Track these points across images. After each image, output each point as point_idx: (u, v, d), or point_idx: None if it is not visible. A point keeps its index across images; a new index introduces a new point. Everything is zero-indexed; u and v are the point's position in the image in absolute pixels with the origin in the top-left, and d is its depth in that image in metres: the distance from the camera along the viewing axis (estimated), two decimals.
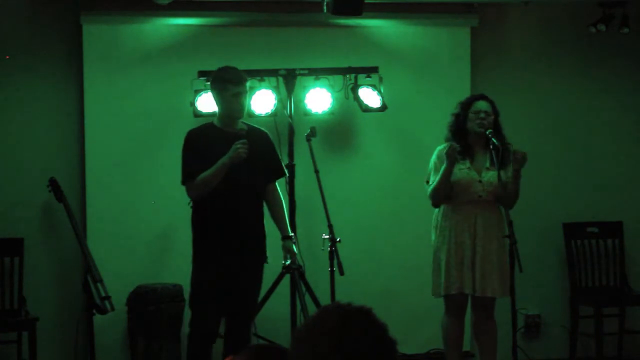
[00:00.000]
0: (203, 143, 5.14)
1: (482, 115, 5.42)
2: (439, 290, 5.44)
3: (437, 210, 5.51)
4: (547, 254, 6.85)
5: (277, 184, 5.37)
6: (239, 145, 4.99)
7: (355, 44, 6.54)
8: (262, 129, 5.39)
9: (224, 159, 5.02)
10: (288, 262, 5.39)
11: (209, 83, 6.03)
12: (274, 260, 6.13)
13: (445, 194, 5.41)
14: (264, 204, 5.31)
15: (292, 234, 5.38)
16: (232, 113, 5.16)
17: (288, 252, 5.35)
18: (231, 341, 5.21)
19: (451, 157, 5.29)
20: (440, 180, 5.37)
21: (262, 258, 5.24)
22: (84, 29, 6.26)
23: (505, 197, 5.34)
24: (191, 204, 5.25)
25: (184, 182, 5.18)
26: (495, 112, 5.48)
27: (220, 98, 5.17)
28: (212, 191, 5.07)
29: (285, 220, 5.34)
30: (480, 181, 5.40)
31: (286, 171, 5.49)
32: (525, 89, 6.86)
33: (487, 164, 5.41)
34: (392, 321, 1.98)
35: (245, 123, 5.26)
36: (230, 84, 5.11)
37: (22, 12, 6.30)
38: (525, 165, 5.34)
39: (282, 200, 5.36)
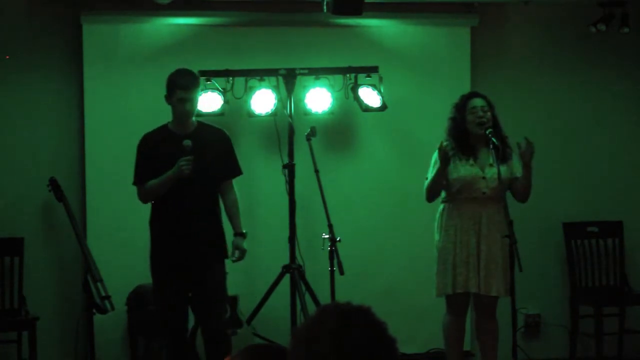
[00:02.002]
0: (152, 147, 5.22)
1: (480, 113, 5.41)
2: (445, 289, 5.43)
3: (440, 209, 5.52)
4: (547, 254, 6.85)
5: (233, 182, 5.38)
6: (182, 163, 5.06)
7: (355, 44, 6.54)
8: (219, 127, 5.40)
9: (169, 173, 5.10)
10: (235, 257, 5.35)
11: (209, 82, 6.05)
12: (271, 261, 6.15)
13: (438, 191, 5.47)
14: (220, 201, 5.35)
15: (245, 231, 5.37)
16: (178, 116, 5.21)
17: (237, 248, 5.34)
18: (207, 340, 5.25)
19: (443, 158, 5.30)
20: (433, 179, 5.41)
21: (222, 254, 5.27)
22: (84, 29, 6.26)
23: (517, 191, 5.42)
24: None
25: (134, 184, 5.31)
26: (491, 106, 5.47)
27: (169, 100, 5.21)
28: (166, 192, 5.15)
29: (238, 217, 5.36)
30: (484, 177, 5.40)
31: (242, 170, 5.45)
32: (525, 89, 6.86)
33: (491, 160, 5.40)
34: (392, 321, 1.97)
35: (201, 122, 5.29)
36: (177, 89, 5.15)
37: (22, 12, 6.30)
38: (533, 154, 5.31)
39: (236, 198, 5.38)
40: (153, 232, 5.29)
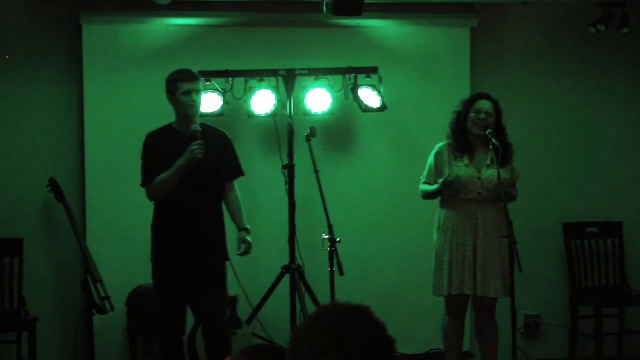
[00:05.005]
0: (160, 146, 5.18)
1: (483, 116, 5.41)
2: (441, 290, 5.45)
3: (439, 210, 5.53)
4: (547, 254, 6.85)
5: (235, 183, 5.36)
6: (195, 147, 5.02)
7: (355, 44, 6.54)
8: (220, 129, 5.38)
9: (180, 161, 5.06)
10: (242, 251, 5.31)
11: (208, 83, 6.05)
12: (271, 261, 6.15)
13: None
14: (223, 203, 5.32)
15: (248, 226, 5.34)
16: (186, 111, 5.14)
17: (243, 242, 5.28)
18: (208, 341, 5.23)
19: (446, 188, 5.35)
20: (428, 195, 5.51)
21: (223, 256, 5.24)
22: (84, 29, 6.26)
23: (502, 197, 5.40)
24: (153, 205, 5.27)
25: (142, 185, 5.23)
26: (498, 112, 5.46)
27: (173, 99, 5.17)
28: (170, 192, 5.11)
29: (241, 214, 5.32)
30: (479, 178, 5.40)
31: (244, 171, 5.43)
32: (525, 89, 6.86)
33: (488, 162, 5.40)
34: (392, 321, 1.97)
35: (203, 124, 5.24)
36: (180, 82, 5.12)
37: (22, 12, 6.30)
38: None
39: (238, 198, 5.35)
40: (155, 234, 5.25)
